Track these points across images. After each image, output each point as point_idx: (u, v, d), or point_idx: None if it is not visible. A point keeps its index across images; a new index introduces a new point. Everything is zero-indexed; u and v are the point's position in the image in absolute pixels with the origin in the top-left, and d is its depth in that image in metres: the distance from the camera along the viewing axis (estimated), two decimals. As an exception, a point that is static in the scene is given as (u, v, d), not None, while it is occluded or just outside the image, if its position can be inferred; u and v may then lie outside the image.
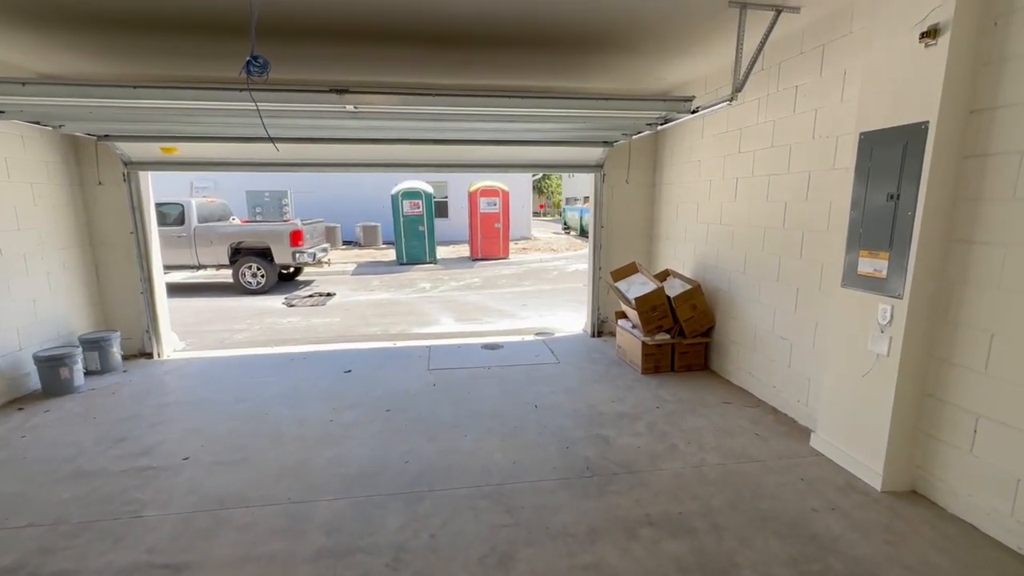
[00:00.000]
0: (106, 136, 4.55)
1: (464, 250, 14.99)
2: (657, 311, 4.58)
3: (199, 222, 10.16)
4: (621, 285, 5.05)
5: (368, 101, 3.43)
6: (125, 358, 5.14)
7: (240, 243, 10.19)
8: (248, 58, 2.42)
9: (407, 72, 4.39)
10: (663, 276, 5.09)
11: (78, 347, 4.44)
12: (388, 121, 4.00)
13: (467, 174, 15.59)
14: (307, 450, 3.25)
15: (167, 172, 5.28)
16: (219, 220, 10.77)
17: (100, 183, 4.97)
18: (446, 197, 18.15)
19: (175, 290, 10.30)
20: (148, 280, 5.21)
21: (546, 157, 5.64)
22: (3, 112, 3.41)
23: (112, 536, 2.40)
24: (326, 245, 11.91)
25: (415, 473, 2.97)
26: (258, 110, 3.17)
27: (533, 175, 24.30)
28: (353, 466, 3.04)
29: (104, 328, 5.08)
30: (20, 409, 3.92)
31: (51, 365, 4.15)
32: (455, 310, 8.14)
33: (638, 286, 4.84)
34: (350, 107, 3.40)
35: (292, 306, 8.79)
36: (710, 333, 4.72)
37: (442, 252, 15.73)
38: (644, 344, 4.57)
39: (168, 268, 10.07)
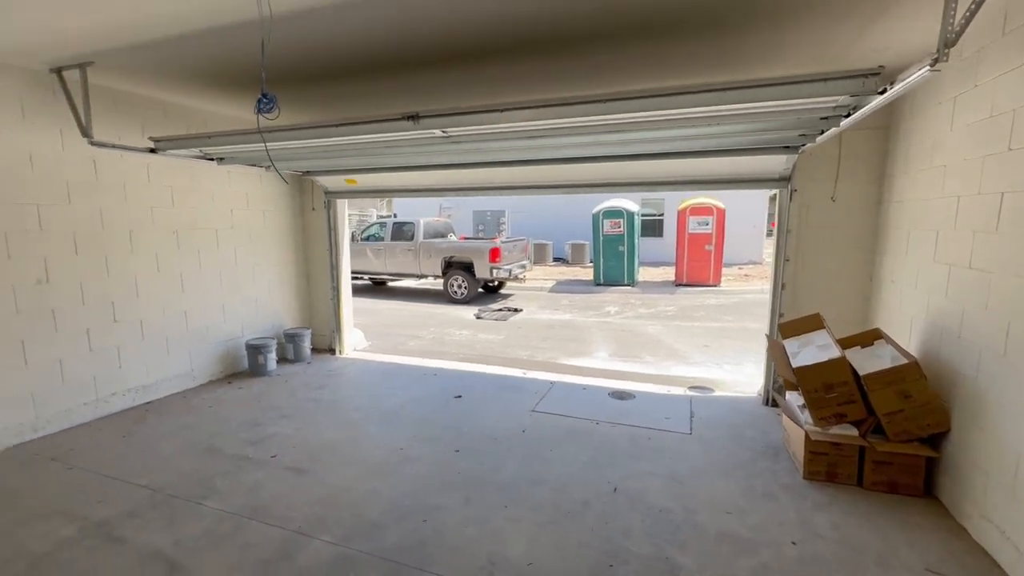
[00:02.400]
0: (307, 172, 5.63)
1: (672, 273, 13.64)
2: (834, 392, 3.08)
3: (424, 238, 11.94)
4: (791, 345, 3.60)
5: (513, 119, 3.14)
6: (316, 351, 6.28)
7: (451, 257, 11.52)
8: (259, 97, 2.53)
9: (531, 89, 4.09)
10: (868, 339, 3.42)
11: (274, 339, 5.60)
12: (528, 140, 3.67)
13: (677, 191, 14.22)
14: (356, 478, 3.26)
15: (354, 199, 6.25)
16: (441, 236, 12.43)
17: (313, 209, 6.20)
18: (661, 215, 16.93)
19: (400, 294, 12.33)
20: (336, 289, 6.24)
21: (712, 170, 4.50)
22: (223, 159, 4.51)
23: (172, 513, 2.83)
24: (525, 262, 12.45)
25: (419, 539, 2.63)
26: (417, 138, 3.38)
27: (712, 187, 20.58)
28: (375, 510, 2.89)
29: (304, 325, 6.30)
30: (229, 382, 5.15)
31: (253, 352, 5.34)
32: (622, 342, 7.35)
33: (811, 350, 3.36)
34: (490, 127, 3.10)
35: (480, 318, 9.41)
36: (939, 441, 2.93)
37: (648, 274, 14.70)
38: (807, 436, 3.13)
39: (399, 275, 12.21)
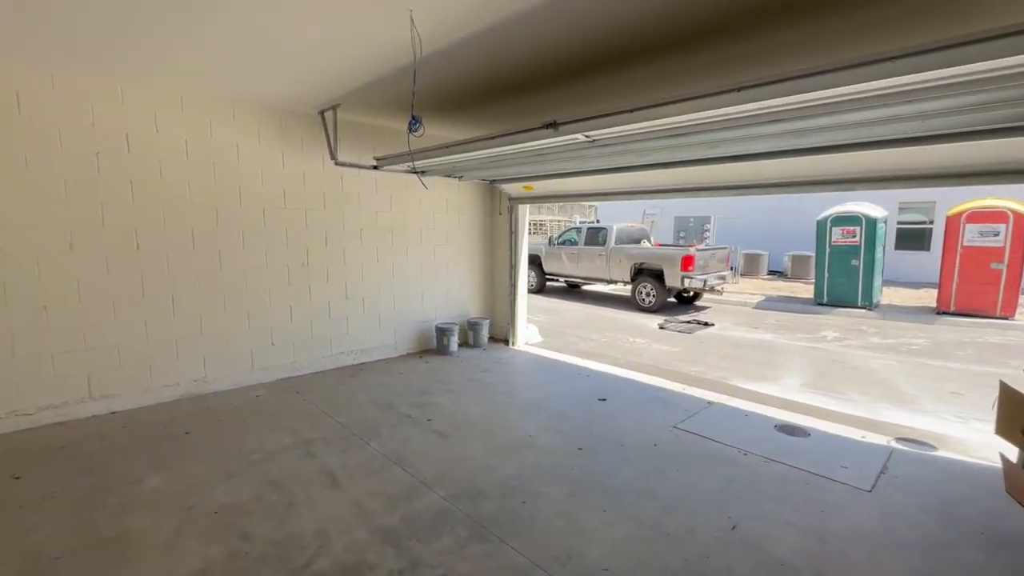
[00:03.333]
0: (493, 180, 6.36)
1: (935, 297, 10.56)
2: (1098, 476, 2.10)
3: (615, 243, 11.97)
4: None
5: (662, 115, 3.02)
6: (493, 340, 7.02)
7: (641, 264, 11.28)
8: (410, 119, 3.03)
9: (670, 87, 3.86)
10: None
11: (457, 325, 6.49)
12: (683, 138, 3.49)
13: (887, 190, 10.98)
14: (482, 452, 3.63)
15: (532, 204, 6.75)
16: (635, 242, 12.27)
17: (500, 214, 6.95)
18: (930, 223, 13.17)
19: (590, 297, 12.59)
20: (513, 286, 6.86)
21: (936, 161, 3.47)
22: (424, 172, 5.49)
23: (347, 445, 3.65)
24: (725, 273, 11.33)
25: (512, 516, 2.81)
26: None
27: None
28: (485, 482, 3.19)
29: (484, 316, 7.10)
30: (420, 356, 6.21)
31: (440, 333, 6.31)
32: (825, 373, 6.14)
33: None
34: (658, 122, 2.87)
35: (662, 328, 9.05)
36: None
37: (897, 296, 11.71)
38: (1042, 531, 2.21)
39: (590, 279, 12.51)
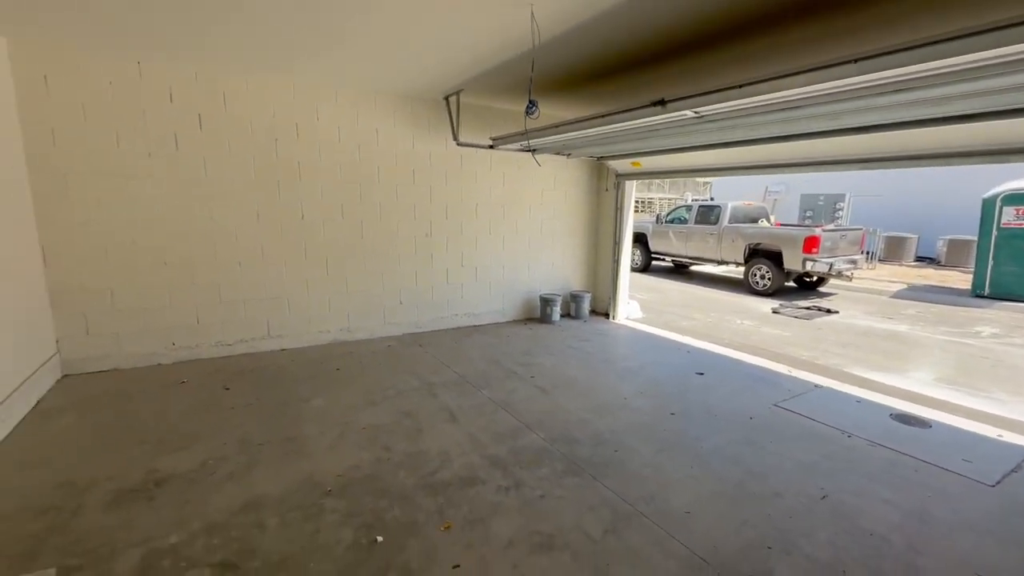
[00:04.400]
0: (601, 157, 6.51)
1: None
2: None
3: (729, 222, 11.39)
4: None
5: (776, 89, 2.72)
6: (594, 313, 7.29)
7: (757, 245, 10.66)
8: (527, 103, 3.33)
9: (777, 61, 3.72)
10: None
11: (560, 296, 6.85)
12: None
13: None
14: (578, 407, 3.98)
15: (640, 180, 6.78)
16: (751, 222, 11.56)
17: (606, 190, 7.10)
18: None
19: (697, 278, 12.18)
20: (616, 262, 7.02)
21: None
22: (535, 150, 5.84)
23: (462, 391, 4.23)
24: (856, 257, 10.28)
25: (604, 461, 3.14)
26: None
27: None
28: (580, 432, 3.55)
29: (586, 289, 7.36)
30: (524, 324, 6.70)
31: (544, 303, 6.73)
32: (968, 370, 5.51)
33: None
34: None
35: (776, 313, 8.60)
36: None
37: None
38: None
39: (699, 259, 12.10)
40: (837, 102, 2.89)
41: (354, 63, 4.32)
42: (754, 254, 10.72)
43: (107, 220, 4.38)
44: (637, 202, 24.78)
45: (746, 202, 12.17)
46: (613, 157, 6.37)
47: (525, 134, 4.41)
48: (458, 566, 2.22)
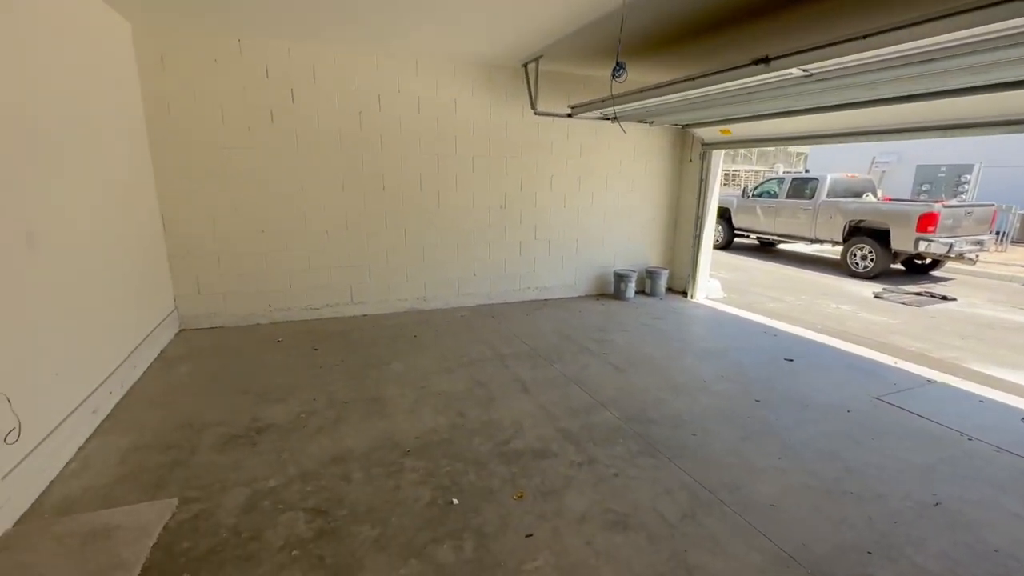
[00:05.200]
0: (686, 125, 6.09)
1: None
2: None
3: (828, 197, 10.36)
4: None
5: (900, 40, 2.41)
6: (671, 291, 6.98)
7: (859, 222, 9.65)
8: (614, 65, 3.10)
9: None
10: None
11: (635, 272, 6.62)
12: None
13: None
14: (655, 387, 3.85)
15: (729, 149, 6.27)
16: (854, 196, 10.44)
17: (691, 160, 6.67)
18: None
19: (785, 258, 11.28)
20: (698, 237, 6.63)
21: None
22: (616, 118, 5.57)
23: (535, 363, 4.24)
24: (983, 238, 8.99)
25: (681, 443, 3.02)
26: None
27: None
28: (656, 412, 3.43)
29: (664, 266, 7.04)
30: (597, 299, 6.56)
31: (618, 279, 6.53)
32: (1123, 371, 4.68)
33: None
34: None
35: (879, 298, 7.80)
36: None
37: None
38: None
39: (789, 237, 11.16)
40: (990, 50, 2.44)
41: (436, 31, 4.29)
42: (855, 232, 9.71)
43: (214, 190, 4.77)
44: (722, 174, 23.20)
45: (848, 174, 10.98)
46: (700, 124, 5.94)
47: (610, 100, 4.20)
48: (531, 535, 2.24)
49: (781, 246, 12.75)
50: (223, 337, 4.76)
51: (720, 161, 6.53)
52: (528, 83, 5.44)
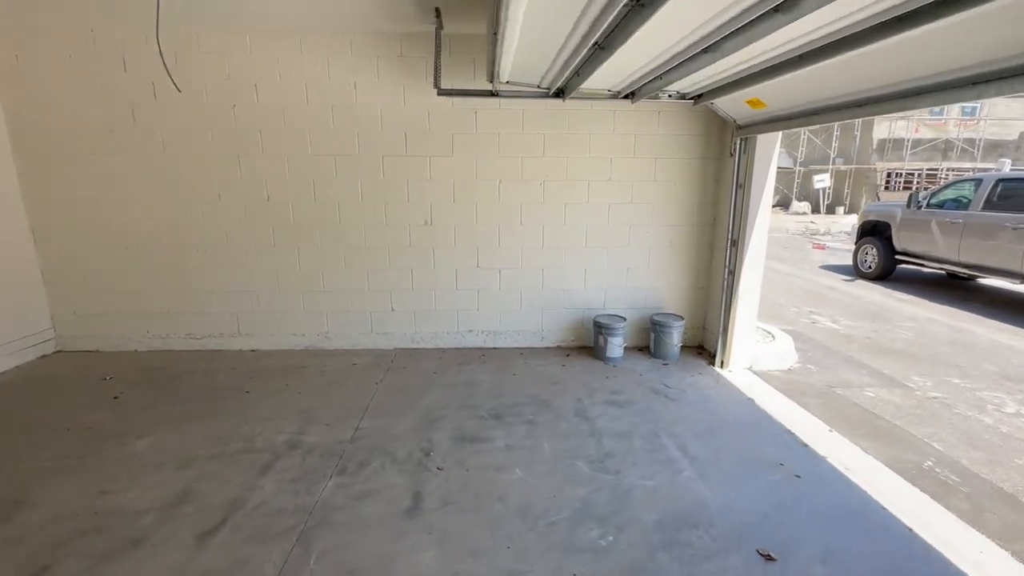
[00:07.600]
0: (696, 98, 3.79)
1: None
2: None
3: (1061, 209, 6.34)
4: None
5: None
6: (691, 349, 4.63)
7: (1124, 252, 5.59)
8: None
9: None
10: None
11: (623, 321, 4.47)
12: None
13: None
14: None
15: (782, 129, 3.75)
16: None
17: (731, 155, 4.27)
18: None
19: (975, 300, 7.27)
20: (732, 272, 4.21)
21: None
22: (565, 93, 3.66)
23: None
24: None
25: None
26: None
27: None
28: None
29: (678, 313, 4.68)
30: (567, 356, 4.59)
31: (596, 329, 4.47)
32: None
33: None
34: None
35: None
36: None
37: None
38: None
39: (983, 270, 7.17)
40: None
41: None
42: (1115, 270, 5.67)
43: (82, 200, 4.31)
44: (890, 175, 16.86)
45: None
46: (713, 91, 3.63)
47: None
48: None
49: (978, 281, 8.48)
50: (67, 365, 4.25)
51: (775, 154, 4.02)
52: (438, 47, 3.86)
